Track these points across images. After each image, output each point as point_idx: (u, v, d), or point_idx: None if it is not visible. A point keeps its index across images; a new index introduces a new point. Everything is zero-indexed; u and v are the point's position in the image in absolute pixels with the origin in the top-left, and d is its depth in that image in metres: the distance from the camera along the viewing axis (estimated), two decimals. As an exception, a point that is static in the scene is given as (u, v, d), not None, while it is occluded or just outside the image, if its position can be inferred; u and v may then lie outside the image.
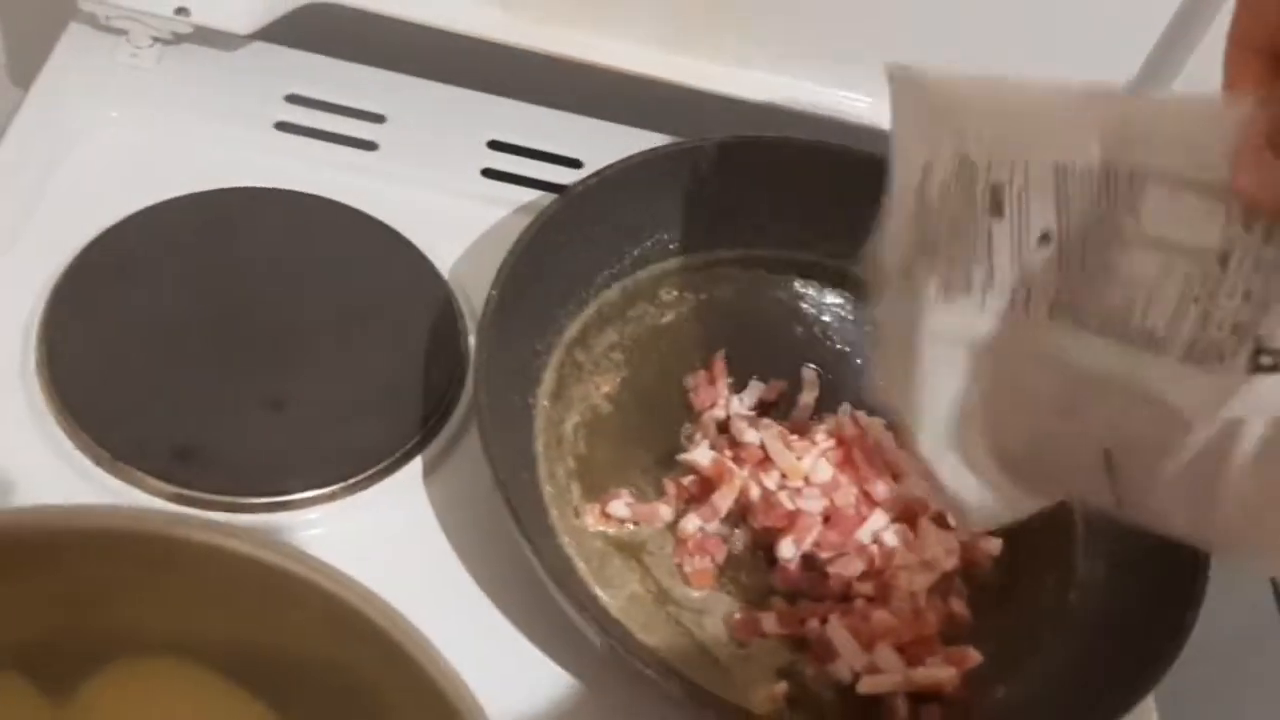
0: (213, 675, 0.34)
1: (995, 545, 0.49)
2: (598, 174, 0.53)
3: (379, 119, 0.59)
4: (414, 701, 0.32)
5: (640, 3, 0.56)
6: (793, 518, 0.46)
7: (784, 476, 0.47)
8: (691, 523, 0.47)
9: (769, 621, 0.46)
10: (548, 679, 0.45)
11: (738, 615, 0.46)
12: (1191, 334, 0.31)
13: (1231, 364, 0.31)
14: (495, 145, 0.60)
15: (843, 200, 0.57)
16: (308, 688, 0.34)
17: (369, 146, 0.58)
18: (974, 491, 0.37)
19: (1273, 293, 0.30)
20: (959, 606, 0.48)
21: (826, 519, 0.47)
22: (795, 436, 0.48)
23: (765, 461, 0.47)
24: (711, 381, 0.51)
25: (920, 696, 0.46)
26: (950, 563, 0.48)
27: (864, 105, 0.60)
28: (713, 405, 0.50)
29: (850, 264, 0.57)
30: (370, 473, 0.47)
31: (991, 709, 0.46)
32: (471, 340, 0.50)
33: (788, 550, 0.46)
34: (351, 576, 0.33)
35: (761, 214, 0.57)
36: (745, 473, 0.47)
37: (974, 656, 0.46)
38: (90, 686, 0.33)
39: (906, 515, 0.48)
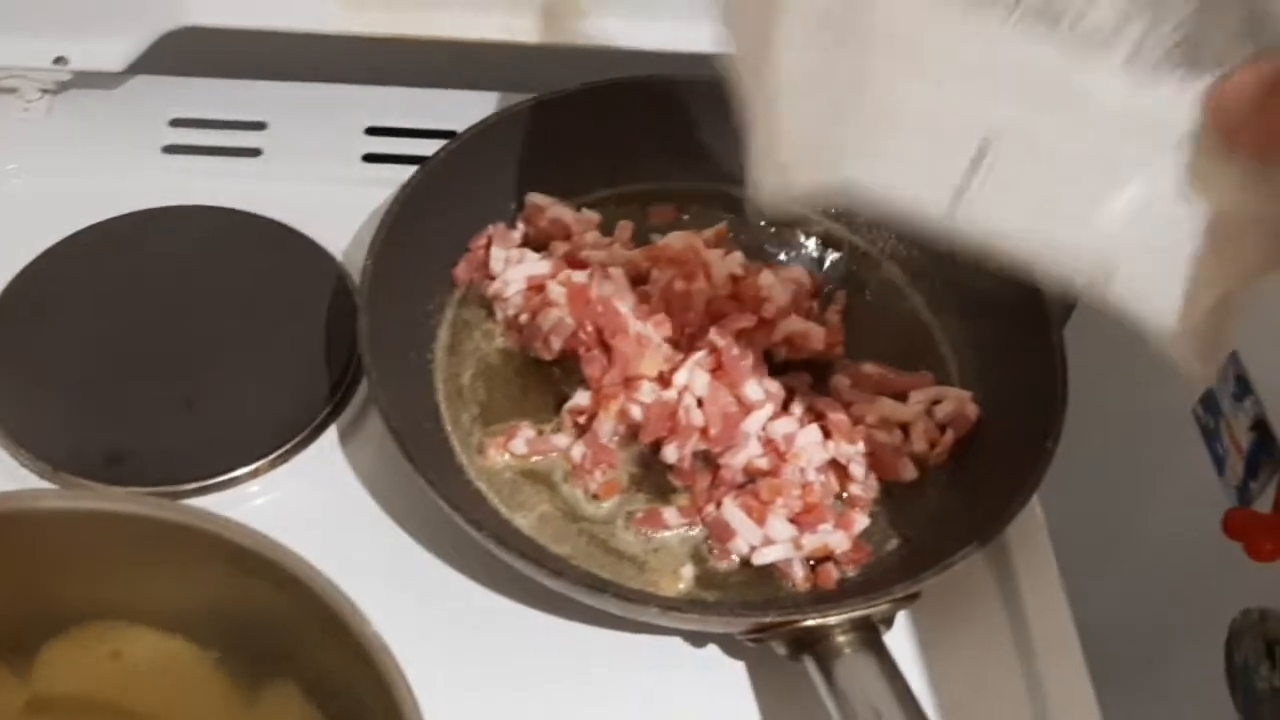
0: (165, 634, 0.38)
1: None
2: (456, 138, 0.57)
3: (260, 126, 0.64)
4: (338, 651, 0.36)
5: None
6: (672, 426, 0.50)
7: (659, 386, 0.51)
8: (577, 449, 0.51)
9: (669, 513, 0.50)
10: (477, 605, 0.49)
11: (640, 514, 0.50)
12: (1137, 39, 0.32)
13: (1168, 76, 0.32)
14: (373, 131, 0.64)
15: (697, 126, 0.61)
16: (251, 640, 0.39)
17: (253, 153, 0.63)
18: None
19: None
20: (857, 475, 0.52)
21: (705, 425, 0.51)
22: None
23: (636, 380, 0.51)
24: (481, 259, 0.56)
25: (817, 560, 0.50)
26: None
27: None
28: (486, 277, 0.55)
29: (721, 187, 0.61)
30: (289, 445, 0.52)
31: (886, 560, 0.51)
32: (369, 312, 0.54)
33: (671, 454, 0.50)
34: (277, 540, 0.37)
35: (624, 152, 0.61)
36: (621, 396, 0.51)
37: (860, 520, 0.51)
38: (49, 651, 0.37)
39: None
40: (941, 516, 0.52)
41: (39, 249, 0.56)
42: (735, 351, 0.52)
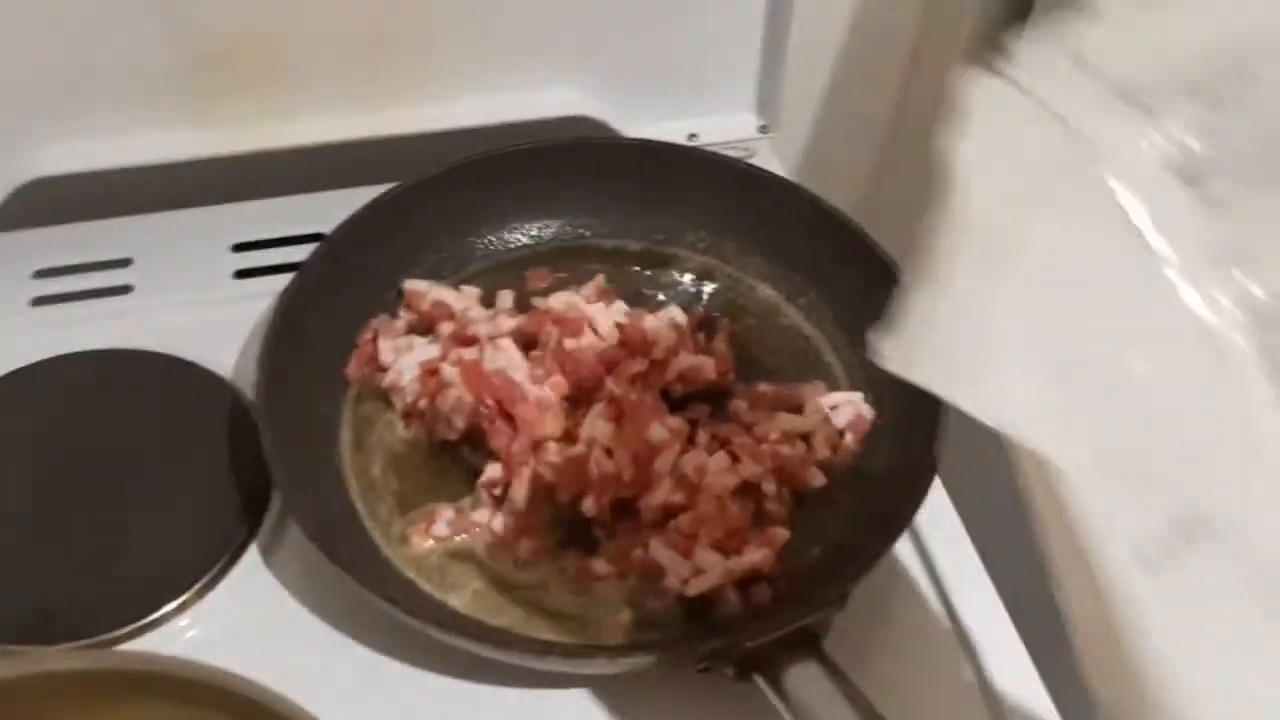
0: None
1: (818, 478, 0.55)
2: (326, 239, 0.58)
3: (126, 263, 0.64)
4: None
5: (316, 77, 0.61)
6: (584, 480, 0.52)
7: (566, 444, 0.52)
8: (498, 520, 0.52)
9: (599, 565, 0.51)
10: (429, 691, 0.49)
11: (570, 570, 0.51)
12: None
13: None
14: (240, 246, 0.65)
15: (558, 188, 0.64)
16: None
17: (124, 290, 0.62)
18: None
19: None
20: (770, 492, 0.54)
21: (617, 472, 0.52)
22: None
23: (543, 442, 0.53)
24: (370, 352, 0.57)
25: (748, 581, 0.52)
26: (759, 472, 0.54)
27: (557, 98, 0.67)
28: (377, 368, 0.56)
29: (590, 240, 0.64)
30: (212, 573, 0.51)
31: (814, 567, 0.53)
32: (269, 428, 0.55)
33: (590, 507, 0.52)
34: (219, 668, 0.37)
35: (491, 224, 0.63)
36: (531, 461, 0.52)
37: (781, 534, 0.53)
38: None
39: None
40: (855, 516, 0.54)
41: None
42: (633, 397, 0.53)
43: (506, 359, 0.54)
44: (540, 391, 0.53)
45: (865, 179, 0.89)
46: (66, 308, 0.61)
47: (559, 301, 0.57)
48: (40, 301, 0.62)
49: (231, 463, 0.54)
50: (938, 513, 0.56)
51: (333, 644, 0.50)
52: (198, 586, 0.51)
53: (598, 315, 0.56)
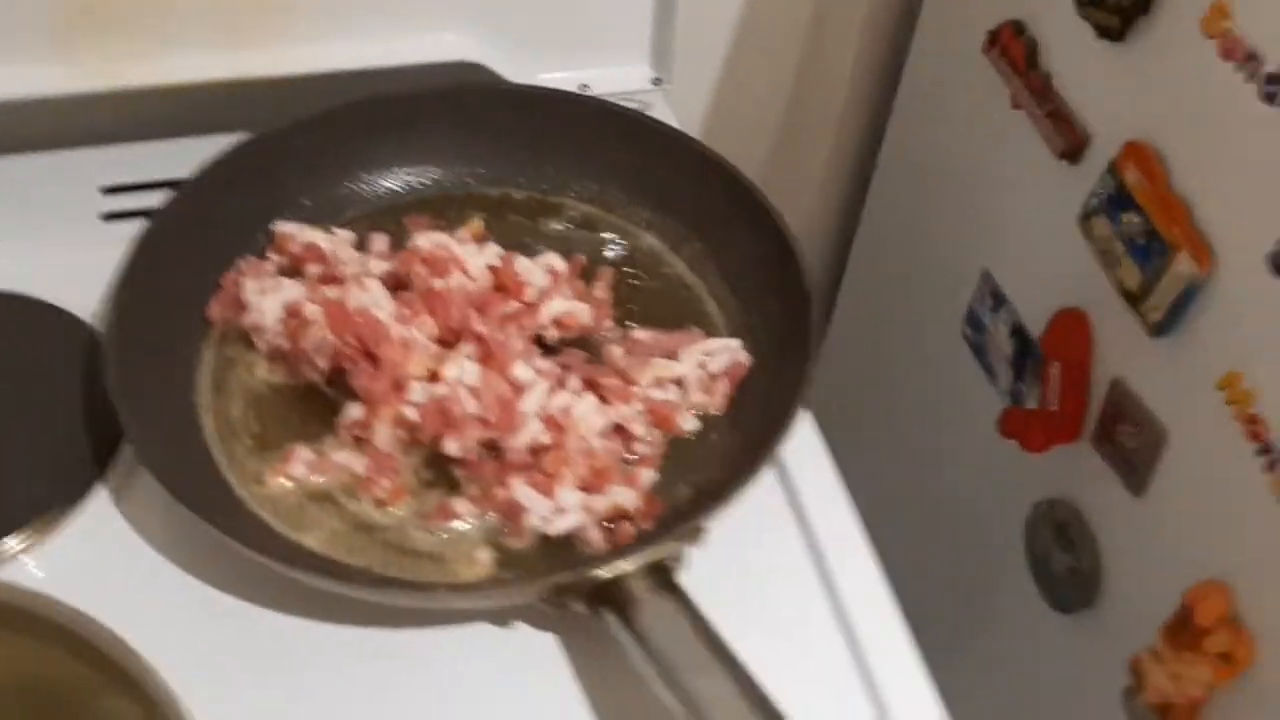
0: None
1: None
2: (188, 181, 0.56)
3: None
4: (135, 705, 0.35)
5: (191, 14, 0.59)
6: (447, 420, 0.51)
7: (430, 382, 0.51)
8: (358, 461, 0.51)
9: (460, 504, 0.51)
10: (275, 631, 0.48)
11: (430, 510, 0.51)
12: None
13: None
14: (111, 190, 0.63)
15: (437, 135, 0.62)
16: (52, 707, 0.37)
17: (-13, 229, 0.61)
18: None
19: None
20: (639, 434, 0.53)
21: (481, 413, 0.51)
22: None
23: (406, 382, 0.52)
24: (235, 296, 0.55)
25: (613, 522, 0.51)
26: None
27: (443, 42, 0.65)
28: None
29: (473, 188, 0.62)
30: (57, 510, 0.50)
31: (680, 509, 0.52)
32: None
33: (453, 447, 0.51)
34: (50, 596, 0.36)
35: (373, 171, 0.62)
36: (394, 401, 0.51)
37: (647, 475, 0.52)
38: None
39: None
40: (725, 460, 0.54)
41: None
42: (500, 337, 0.53)
43: (371, 298, 0.53)
44: (405, 331, 0.52)
45: (764, 137, 0.89)
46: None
47: (427, 241, 0.55)
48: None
49: (84, 404, 0.53)
50: (808, 455, 0.56)
51: (183, 584, 0.49)
52: (39, 524, 0.49)
53: (469, 256, 0.55)
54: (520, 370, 0.52)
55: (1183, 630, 0.62)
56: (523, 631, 0.50)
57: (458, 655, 0.49)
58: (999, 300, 0.76)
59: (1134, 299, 0.61)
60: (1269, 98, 0.52)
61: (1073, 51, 0.65)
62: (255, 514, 0.50)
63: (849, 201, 0.95)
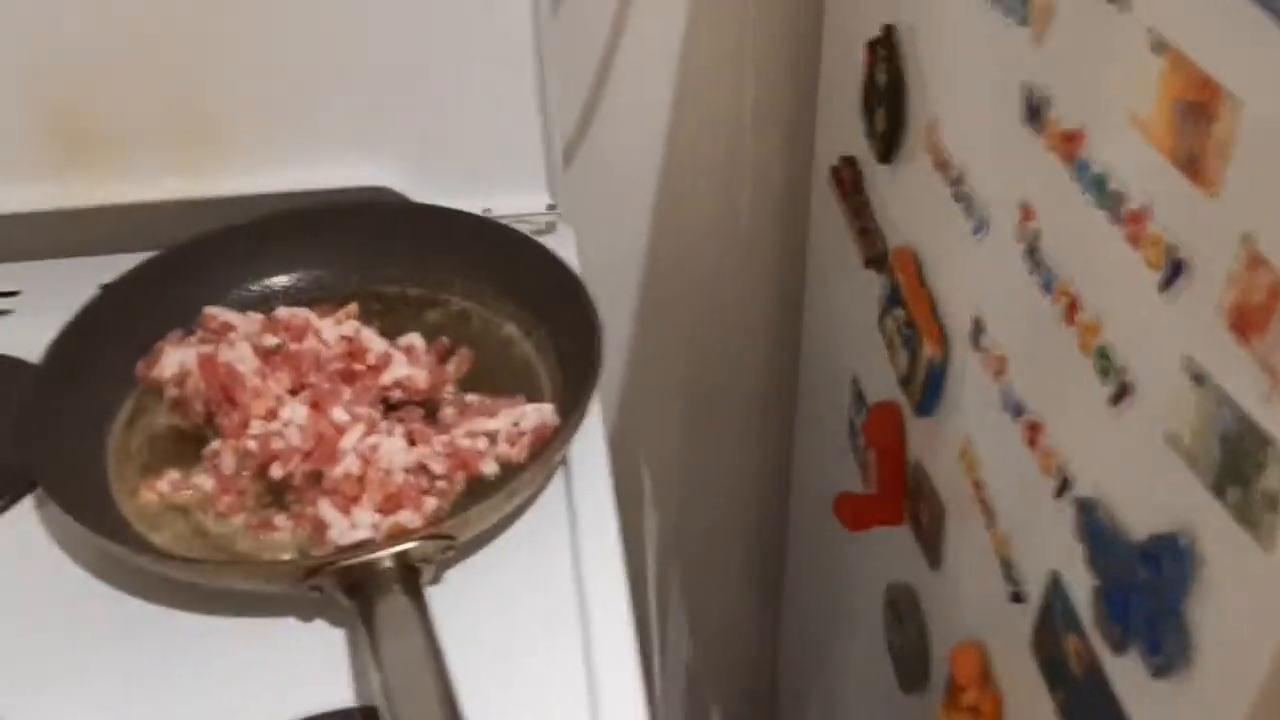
0: None
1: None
2: (139, 267, 0.74)
3: (13, 294, 0.80)
4: None
5: (140, 146, 0.77)
6: (273, 454, 0.64)
7: (267, 420, 0.65)
8: (209, 482, 0.64)
9: (279, 518, 0.63)
10: (128, 611, 0.61)
11: (254, 522, 0.63)
12: None
13: None
14: (107, 286, 0.81)
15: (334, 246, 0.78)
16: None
17: (5, 313, 0.79)
18: None
19: None
20: (438, 471, 0.65)
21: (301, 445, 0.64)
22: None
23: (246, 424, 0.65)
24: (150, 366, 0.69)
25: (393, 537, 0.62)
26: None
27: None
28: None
29: (369, 287, 0.77)
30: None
31: (441, 533, 0.62)
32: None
33: (277, 471, 0.63)
34: None
35: (288, 269, 0.77)
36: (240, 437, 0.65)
37: (431, 503, 0.63)
38: None
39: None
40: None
41: None
42: (326, 386, 0.66)
43: (237, 354, 0.67)
44: (260, 382, 0.66)
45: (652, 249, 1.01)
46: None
47: (287, 312, 0.70)
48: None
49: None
50: (594, 502, 0.66)
51: (65, 569, 0.63)
52: (-28, 519, 0.65)
53: (324, 327, 0.69)
54: (338, 414, 0.64)
55: (952, 697, 0.66)
56: (320, 626, 0.61)
57: (265, 638, 0.60)
58: (861, 403, 0.84)
59: (905, 384, 0.69)
60: (955, 197, 0.61)
61: (871, 176, 0.75)
62: (123, 518, 0.64)
63: (774, 331, 1.05)
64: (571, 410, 0.65)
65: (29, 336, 0.75)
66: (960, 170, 0.60)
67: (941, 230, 0.63)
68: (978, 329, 0.60)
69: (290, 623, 0.61)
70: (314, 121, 0.79)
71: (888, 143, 0.69)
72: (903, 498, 0.74)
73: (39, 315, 0.78)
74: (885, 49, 0.68)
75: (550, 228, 0.84)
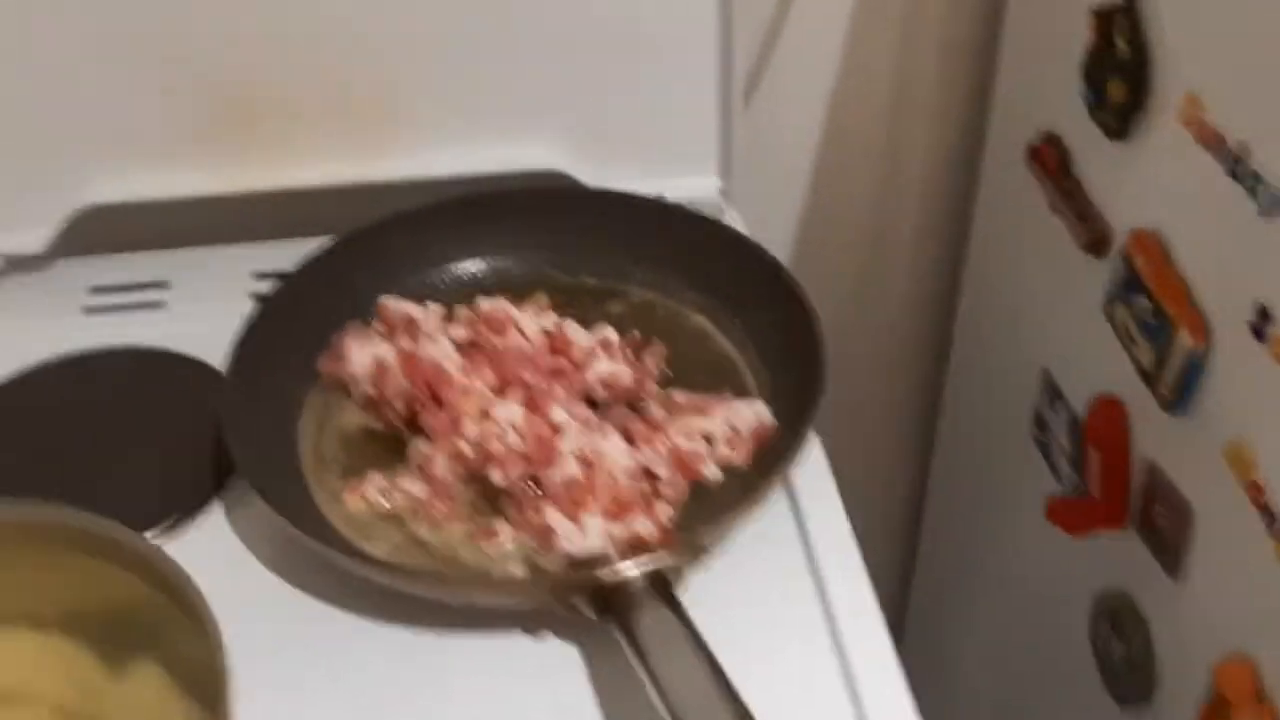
0: (41, 632, 0.47)
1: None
2: (315, 257, 0.69)
3: (164, 284, 0.76)
4: (178, 623, 0.45)
5: (317, 131, 0.73)
6: (490, 456, 0.59)
7: (484, 419, 0.60)
8: (420, 487, 0.60)
9: (501, 526, 0.59)
10: (338, 629, 0.57)
11: (476, 531, 0.59)
12: None
13: None
14: (261, 275, 0.76)
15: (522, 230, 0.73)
16: (122, 633, 0.47)
17: (158, 305, 0.75)
18: None
19: None
20: (664, 476, 0.60)
21: (522, 449, 0.60)
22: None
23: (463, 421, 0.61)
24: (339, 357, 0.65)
25: (632, 546, 0.58)
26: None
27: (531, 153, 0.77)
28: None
29: (548, 274, 0.73)
30: (179, 517, 0.61)
31: (694, 543, 0.58)
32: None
33: (497, 477, 0.59)
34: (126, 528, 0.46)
35: (464, 258, 0.73)
36: (452, 438, 0.60)
37: (665, 509, 0.59)
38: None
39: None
40: (741, 505, 0.60)
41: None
42: (544, 386, 0.61)
43: (440, 350, 0.63)
44: (466, 379, 0.62)
45: (848, 258, 0.97)
46: (112, 316, 0.74)
47: (487, 305, 0.65)
48: (91, 310, 0.74)
49: (213, 436, 0.64)
50: (818, 494, 0.62)
51: (268, 586, 0.59)
52: (167, 524, 0.61)
53: (524, 319, 0.65)
54: (557, 413, 0.60)
55: (1216, 714, 0.62)
56: (550, 641, 0.57)
57: (492, 656, 0.56)
58: (1056, 396, 0.79)
59: (1149, 378, 0.64)
60: (1234, 175, 0.56)
61: (1091, 155, 0.70)
62: (333, 526, 0.59)
63: (931, 319, 1.00)
64: (801, 413, 0.61)
65: (181, 329, 0.72)
66: (1240, 147, 0.56)
67: (1208, 212, 0.59)
68: (1263, 318, 0.55)
69: (515, 637, 0.57)
70: (486, 101, 0.75)
71: (1124, 119, 0.64)
72: (1126, 500, 0.70)
73: (191, 305, 0.75)
74: (1128, 18, 0.63)
75: (719, 213, 0.79)
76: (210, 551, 0.60)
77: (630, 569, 0.52)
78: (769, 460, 0.62)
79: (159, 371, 0.69)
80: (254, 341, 0.64)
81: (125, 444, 0.65)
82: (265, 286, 0.75)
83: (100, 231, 0.76)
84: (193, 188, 0.73)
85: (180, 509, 0.61)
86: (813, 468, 0.64)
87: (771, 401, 0.65)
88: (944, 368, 1.01)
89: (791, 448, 0.58)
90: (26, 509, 0.45)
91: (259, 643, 0.52)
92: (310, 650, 0.56)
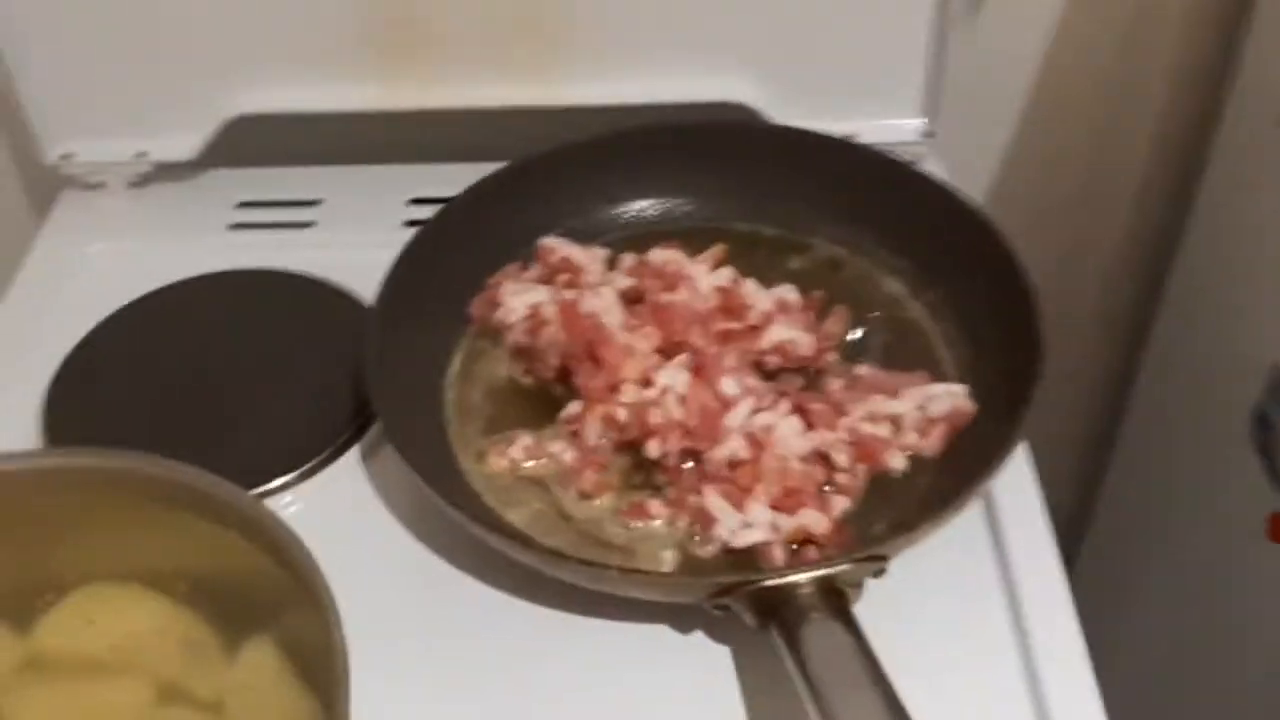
0: (154, 594, 0.43)
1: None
2: (470, 188, 0.63)
3: (315, 203, 0.72)
4: (297, 600, 0.40)
5: (483, 47, 0.67)
6: (648, 426, 0.53)
7: (645, 387, 0.54)
8: (569, 452, 0.54)
9: (654, 504, 0.53)
10: (468, 596, 0.52)
11: (626, 506, 0.53)
12: None
13: None
14: (417, 201, 0.71)
15: (700, 170, 0.66)
16: (231, 598, 0.43)
17: (308, 225, 0.70)
18: None
19: None
20: (841, 463, 0.53)
21: (684, 420, 0.53)
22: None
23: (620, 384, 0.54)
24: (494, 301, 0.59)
25: (798, 542, 0.51)
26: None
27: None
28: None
29: (722, 224, 0.65)
30: (316, 462, 0.57)
31: (872, 539, 0.51)
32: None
33: (654, 449, 0.53)
34: (250, 496, 0.42)
35: (633, 198, 0.66)
36: (608, 401, 0.54)
37: (840, 502, 0.52)
38: (46, 611, 0.42)
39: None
40: (929, 502, 0.52)
41: (114, 308, 0.64)
42: (714, 351, 0.54)
43: (603, 304, 0.56)
44: (628, 338, 0.55)
45: (1053, 210, 0.86)
46: (259, 234, 0.70)
47: (660, 256, 0.59)
48: (237, 227, 0.71)
49: (354, 376, 0.60)
50: (1020, 500, 0.54)
51: (398, 542, 0.54)
52: (301, 470, 0.56)
53: (699, 275, 0.58)
54: (728, 385, 0.53)
55: None
56: (700, 640, 0.51)
57: (635, 648, 0.50)
58: (1291, 394, 0.68)
59: None
60: None
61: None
62: (471, 487, 0.54)
63: (1142, 283, 0.89)
64: (1011, 404, 0.52)
65: (329, 254, 0.67)
66: None
67: None
68: None
69: (662, 630, 0.51)
70: (665, 23, 0.67)
71: None
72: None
73: (342, 227, 0.71)
74: None
75: (918, 159, 0.70)
76: (343, 504, 0.56)
77: (799, 574, 0.46)
78: (964, 455, 0.54)
79: (302, 299, 0.65)
80: (404, 281, 0.59)
81: (261, 377, 0.61)
82: (420, 212, 0.71)
83: (252, 148, 0.72)
84: (346, 102, 0.68)
85: (320, 451, 0.57)
86: (1013, 467, 0.55)
87: (968, 382, 0.57)
88: (1136, 355, 0.90)
89: (1001, 447, 0.50)
90: (154, 464, 0.41)
91: (385, 611, 0.48)
92: (443, 623, 0.52)
